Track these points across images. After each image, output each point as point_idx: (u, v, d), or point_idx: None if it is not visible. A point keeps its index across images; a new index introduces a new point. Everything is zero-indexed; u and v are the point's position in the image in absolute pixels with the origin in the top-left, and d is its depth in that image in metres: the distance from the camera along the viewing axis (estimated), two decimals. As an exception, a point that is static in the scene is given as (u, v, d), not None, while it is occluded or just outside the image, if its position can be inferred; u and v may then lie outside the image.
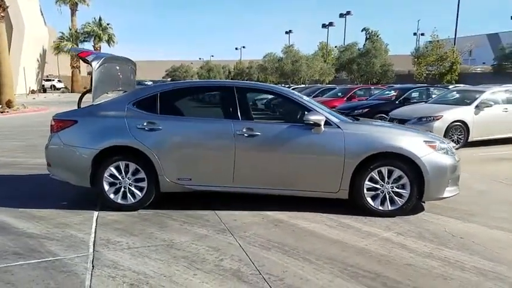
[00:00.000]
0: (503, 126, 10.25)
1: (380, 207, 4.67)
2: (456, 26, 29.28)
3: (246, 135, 4.65)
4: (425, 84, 18.29)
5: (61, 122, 4.91)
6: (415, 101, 13.00)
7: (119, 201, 4.82)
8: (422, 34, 59.86)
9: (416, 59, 28.44)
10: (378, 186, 4.65)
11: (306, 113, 4.67)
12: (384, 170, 4.61)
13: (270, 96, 6.89)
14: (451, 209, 4.95)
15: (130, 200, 4.82)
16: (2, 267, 3.38)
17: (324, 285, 3.11)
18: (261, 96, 10.20)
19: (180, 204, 5.01)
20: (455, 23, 27.69)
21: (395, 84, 22.06)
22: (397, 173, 4.61)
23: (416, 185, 4.59)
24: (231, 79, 64.41)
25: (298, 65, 32.42)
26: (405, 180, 4.60)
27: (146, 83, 37.18)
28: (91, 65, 4.95)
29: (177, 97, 5.08)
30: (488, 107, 10.15)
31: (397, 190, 4.64)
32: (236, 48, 68.29)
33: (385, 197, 4.66)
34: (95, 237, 4.05)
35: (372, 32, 35.30)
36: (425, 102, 12.14)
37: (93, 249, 3.75)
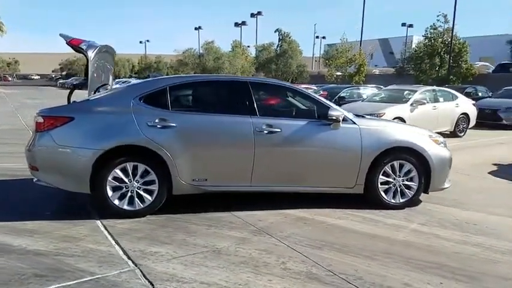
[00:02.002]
0: (434, 122, 11.35)
1: (392, 200, 4.84)
2: (362, 31, 31.78)
3: (265, 131, 4.47)
4: (355, 85, 19.56)
5: (53, 119, 4.20)
6: (350, 99, 13.78)
7: (125, 207, 4.29)
8: (324, 37, 64.05)
9: (327, 61, 30.16)
10: (390, 179, 4.81)
11: (328, 109, 4.64)
12: (396, 164, 4.79)
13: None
14: (440, 199, 5.28)
15: (139, 205, 4.32)
16: (38, 293, 2.79)
17: (404, 280, 3.12)
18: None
19: (189, 207, 4.63)
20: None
21: (311, 84, 23.18)
22: (407, 166, 4.82)
23: (424, 177, 4.85)
24: (135, 73, 61.57)
25: (220, 62, 32.25)
26: (414, 173, 4.84)
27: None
28: (85, 55, 4.33)
29: (188, 92, 4.69)
30: (421, 104, 11.17)
31: (407, 183, 4.85)
32: (140, 42, 65.28)
33: (396, 190, 4.84)
34: (122, 249, 3.55)
35: (284, 33, 36.57)
36: (362, 100, 12.95)
37: (134, 263, 3.28)
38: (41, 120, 4.24)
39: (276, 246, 3.67)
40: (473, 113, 12.71)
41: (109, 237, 3.82)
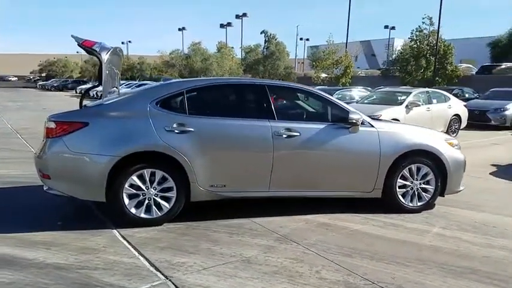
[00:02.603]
0: (428, 123, 11.41)
1: (410, 204, 4.81)
2: (347, 33, 32.04)
3: (284, 136, 4.37)
4: (347, 87, 19.66)
5: (66, 125, 4.01)
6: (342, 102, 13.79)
7: (143, 215, 4.13)
8: (308, 39, 64.40)
9: (314, 63, 30.26)
10: (407, 183, 4.78)
11: (346, 112, 4.57)
12: (414, 167, 4.76)
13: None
14: (453, 201, 5.25)
15: (156, 213, 4.17)
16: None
17: (442, 286, 3.07)
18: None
19: (205, 213, 4.49)
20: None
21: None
22: (424, 169, 4.79)
23: (440, 180, 4.84)
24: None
25: (208, 63, 31.99)
26: (431, 176, 4.81)
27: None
28: (99, 57, 4.16)
29: (205, 95, 4.54)
30: (416, 106, 11.27)
31: (424, 186, 4.83)
32: (122, 43, 64.10)
33: (414, 193, 4.81)
34: (147, 260, 3.40)
35: (270, 34, 36.58)
36: (356, 102, 12.99)
37: (163, 275, 3.14)
38: (52, 125, 4.05)
39: (305, 255, 3.57)
40: (464, 114, 12.90)
41: (130, 247, 3.66)
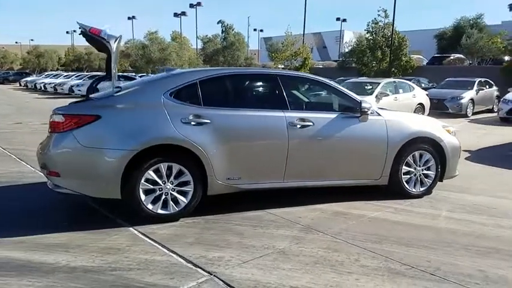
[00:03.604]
0: (398, 113, 11.91)
1: (413, 190, 4.97)
2: (304, 24, 32.44)
3: (298, 126, 4.36)
4: None
5: (76, 118, 3.75)
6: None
7: (159, 211, 3.97)
8: (262, 30, 64.49)
9: (273, 54, 30.38)
10: (411, 169, 4.93)
11: (356, 101, 4.63)
12: (417, 154, 4.92)
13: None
14: (447, 186, 5.49)
15: (174, 208, 4.02)
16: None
17: (474, 266, 3.20)
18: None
19: (220, 207, 4.39)
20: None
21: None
22: (426, 156, 4.97)
23: (440, 166, 5.04)
24: (62, 65, 57.14)
25: (167, 53, 31.04)
26: (432, 162, 5.00)
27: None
28: (107, 45, 3.91)
29: (218, 86, 4.41)
30: (385, 96, 11.66)
31: (425, 172, 5.01)
32: (67, 32, 60.81)
33: (417, 179, 4.98)
34: (181, 257, 3.27)
35: (227, 25, 36.20)
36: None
37: (206, 271, 3.03)
38: (60, 119, 3.77)
39: (336, 244, 3.59)
40: (427, 103, 13.53)
41: (156, 245, 3.50)
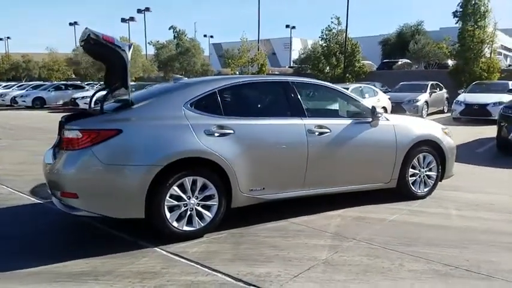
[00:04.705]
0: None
1: (418, 191, 5.12)
2: (259, 30, 32.78)
3: (317, 133, 4.34)
4: None
5: (95, 133, 3.47)
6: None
7: (185, 228, 3.78)
8: (212, 36, 64.22)
9: (228, 60, 30.34)
10: (416, 171, 5.08)
11: (366, 107, 4.71)
12: (421, 156, 5.08)
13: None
14: (444, 186, 5.66)
15: (199, 224, 3.84)
16: None
17: (510, 262, 3.34)
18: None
19: (238, 220, 4.25)
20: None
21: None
22: (429, 158, 5.14)
23: (441, 167, 5.23)
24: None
25: None
26: (434, 163, 5.18)
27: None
28: (123, 54, 3.67)
29: (237, 94, 4.28)
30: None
31: (428, 173, 5.18)
32: (0, 39, 56.93)
33: (421, 180, 5.14)
34: (228, 275, 3.12)
35: (179, 30, 35.62)
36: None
37: (262, 289, 2.91)
38: (76, 135, 3.48)
39: (374, 250, 3.59)
40: (389, 106, 14.12)
41: (194, 264, 3.32)
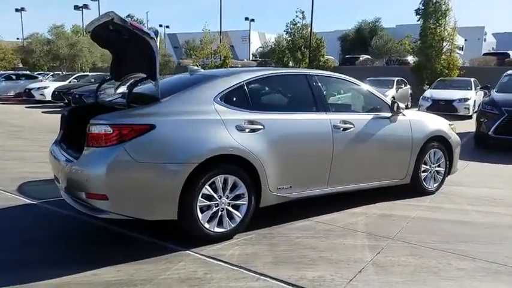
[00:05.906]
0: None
1: (429, 186, 5.15)
2: (221, 22, 32.26)
3: (341, 128, 4.21)
4: None
5: (127, 128, 3.12)
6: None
7: (216, 229, 3.52)
8: (168, 26, 62.61)
9: (190, 51, 29.63)
10: (427, 167, 5.10)
11: (386, 102, 4.64)
12: (433, 152, 5.11)
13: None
14: (446, 181, 5.79)
15: (230, 225, 3.60)
16: None
17: (550, 258, 3.39)
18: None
19: (260, 219, 4.04)
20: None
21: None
22: (439, 153, 5.17)
23: (448, 162, 5.29)
24: None
25: (77, 49, 27.99)
26: (443, 159, 5.22)
27: None
28: (151, 41, 3.33)
29: (264, 88, 4.04)
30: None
31: (437, 169, 5.22)
32: None
33: (431, 176, 5.17)
34: (278, 280, 2.91)
35: (137, 19, 34.25)
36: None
37: (323, 295, 2.74)
38: (105, 130, 3.11)
39: (415, 249, 3.51)
40: (362, 101, 14.28)
41: (237, 269, 3.09)
